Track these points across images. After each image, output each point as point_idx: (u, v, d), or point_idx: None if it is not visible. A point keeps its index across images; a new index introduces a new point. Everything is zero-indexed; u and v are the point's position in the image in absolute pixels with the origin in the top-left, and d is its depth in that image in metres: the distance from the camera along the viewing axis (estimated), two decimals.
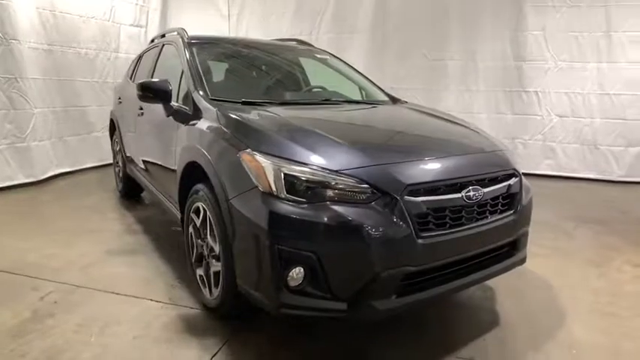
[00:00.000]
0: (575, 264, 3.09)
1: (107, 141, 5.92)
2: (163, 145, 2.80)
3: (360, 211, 1.69)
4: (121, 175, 4.35)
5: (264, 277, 1.76)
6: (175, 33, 3.42)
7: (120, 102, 4.12)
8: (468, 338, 2.15)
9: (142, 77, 3.75)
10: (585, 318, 2.37)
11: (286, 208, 1.71)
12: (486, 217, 1.99)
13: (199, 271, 2.35)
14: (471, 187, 1.90)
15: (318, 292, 1.73)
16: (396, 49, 6.16)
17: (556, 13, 5.55)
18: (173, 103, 2.72)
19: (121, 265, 2.90)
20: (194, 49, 2.93)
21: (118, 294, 2.51)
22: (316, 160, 1.79)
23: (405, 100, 3.26)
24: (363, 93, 3.25)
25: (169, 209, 2.94)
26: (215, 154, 2.04)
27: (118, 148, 4.40)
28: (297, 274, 1.72)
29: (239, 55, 3.26)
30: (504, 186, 2.07)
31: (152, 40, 4.26)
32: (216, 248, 2.08)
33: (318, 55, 3.57)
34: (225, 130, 2.09)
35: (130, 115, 3.71)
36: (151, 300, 2.45)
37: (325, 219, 1.68)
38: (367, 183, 1.73)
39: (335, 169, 1.75)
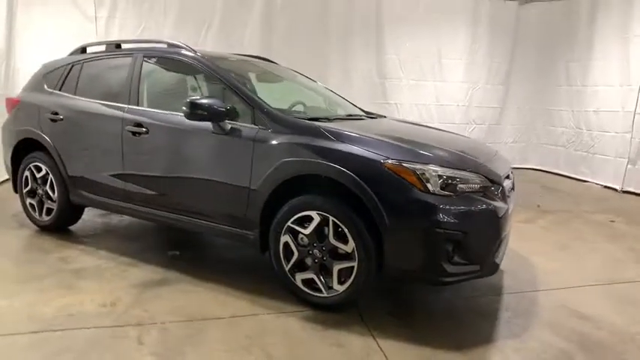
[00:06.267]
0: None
1: None
2: (219, 164, 2.77)
3: (490, 197, 2.37)
4: (55, 205, 3.64)
5: (432, 256, 2.24)
6: (165, 45, 3.28)
7: (58, 119, 3.48)
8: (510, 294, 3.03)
9: (108, 93, 3.34)
10: (555, 253, 3.68)
11: (443, 200, 2.23)
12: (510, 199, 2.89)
13: (302, 276, 2.55)
14: (507, 179, 2.77)
15: (462, 260, 2.31)
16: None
17: (406, 42, 7.13)
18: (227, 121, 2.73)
19: (172, 294, 2.72)
20: (225, 67, 2.97)
21: (217, 318, 2.45)
22: (450, 163, 2.37)
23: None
24: (351, 108, 3.81)
25: (207, 228, 2.91)
26: (351, 166, 2.33)
27: (41, 175, 3.66)
28: (452, 249, 2.28)
29: (247, 72, 3.36)
30: (512, 178, 3.03)
31: (83, 50, 3.74)
32: (348, 247, 2.39)
33: (301, 74, 3.94)
34: (347, 144, 2.41)
35: (99, 134, 3.26)
36: (255, 315, 2.50)
37: (472, 205, 2.29)
38: (485, 176, 2.41)
39: (466, 168, 2.38)
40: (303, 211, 2.48)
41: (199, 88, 3.34)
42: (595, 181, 6.57)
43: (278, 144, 2.56)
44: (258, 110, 2.69)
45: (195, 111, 2.64)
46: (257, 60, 3.92)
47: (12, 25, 5.63)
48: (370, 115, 3.66)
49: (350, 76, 7.02)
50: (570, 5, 7.02)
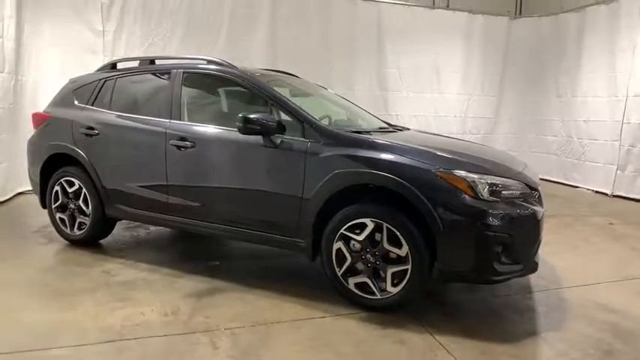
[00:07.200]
0: None
1: None
2: (270, 176, 2.91)
3: (529, 202, 2.59)
4: (87, 219, 3.68)
5: (484, 257, 2.43)
6: (206, 62, 3.41)
7: (94, 134, 3.55)
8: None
9: (148, 108, 3.47)
10: (568, 254, 3.93)
11: (491, 206, 2.44)
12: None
13: (355, 280, 2.70)
14: (539, 187, 3.02)
15: (508, 260, 2.52)
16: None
17: (405, 56, 7.43)
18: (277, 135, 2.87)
19: (228, 302, 2.83)
20: (271, 83, 3.12)
21: (278, 322, 2.58)
22: (495, 171, 2.59)
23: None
24: (376, 121, 4.00)
25: (256, 237, 3.04)
26: (406, 176, 2.50)
27: (73, 189, 3.71)
28: (500, 250, 2.48)
29: (282, 87, 3.52)
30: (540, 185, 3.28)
31: (114, 66, 3.84)
32: (402, 252, 2.56)
33: (327, 88, 4.12)
34: (399, 155, 2.60)
35: (141, 148, 3.37)
36: (313, 318, 2.64)
37: (516, 210, 2.50)
38: (525, 184, 2.63)
39: (509, 176, 2.60)
40: (358, 218, 2.64)
41: (241, 103, 3.47)
42: (586, 187, 6.96)
43: (331, 156, 2.72)
44: (308, 125, 2.85)
45: (247, 125, 2.78)
46: (283, 75, 4.08)
47: (20, 39, 5.63)
48: (396, 128, 3.86)
49: (352, 88, 7.23)
50: (559, 20, 7.48)
